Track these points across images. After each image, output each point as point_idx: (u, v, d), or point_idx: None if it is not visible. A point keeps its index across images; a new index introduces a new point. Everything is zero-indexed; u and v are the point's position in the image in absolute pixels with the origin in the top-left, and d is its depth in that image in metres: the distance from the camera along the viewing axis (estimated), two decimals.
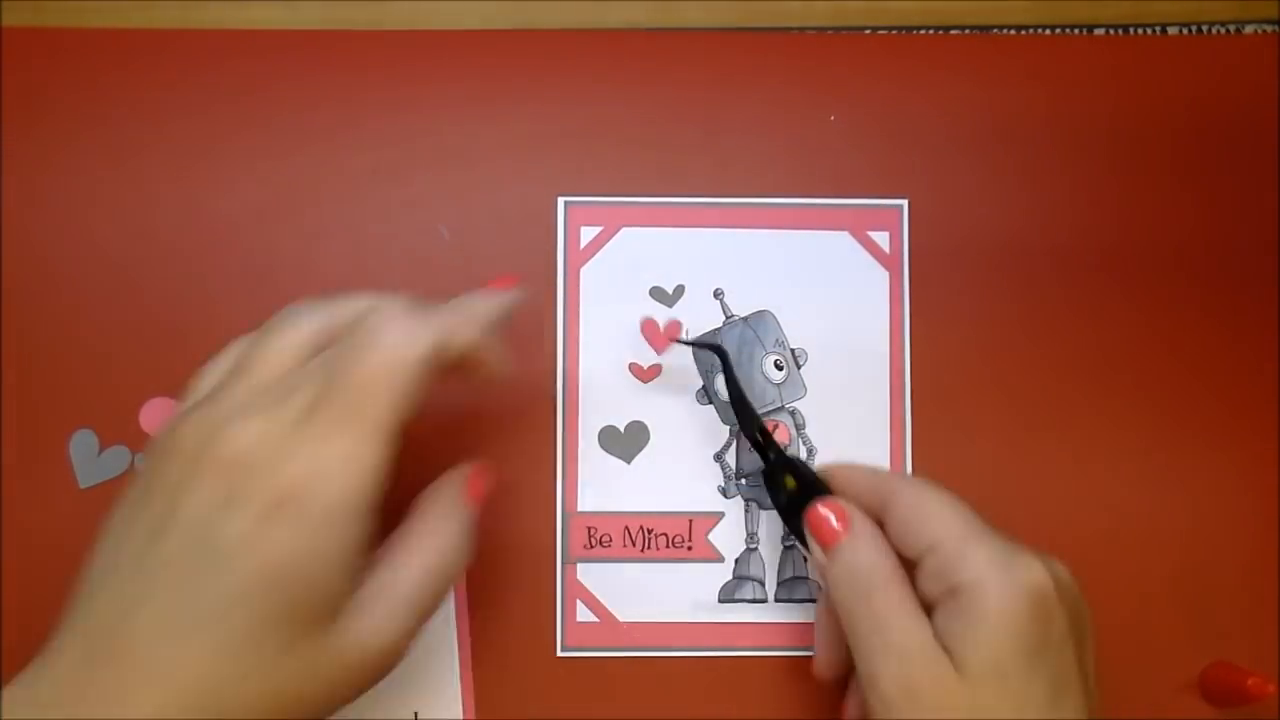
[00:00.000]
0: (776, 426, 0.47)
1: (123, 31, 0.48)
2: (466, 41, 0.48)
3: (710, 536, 0.46)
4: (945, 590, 0.38)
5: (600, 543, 0.46)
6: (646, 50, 0.48)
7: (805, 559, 0.46)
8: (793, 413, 0.47)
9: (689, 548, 0.46)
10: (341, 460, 0.33)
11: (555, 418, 0.47)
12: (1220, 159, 0.48)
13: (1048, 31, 0.49)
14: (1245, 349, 0.48)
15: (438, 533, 0.38)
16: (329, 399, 0.34)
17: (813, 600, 0.46)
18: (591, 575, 0.46)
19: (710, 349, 0.45)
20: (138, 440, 0.46)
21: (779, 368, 0.47)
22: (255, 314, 0.46)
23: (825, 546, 0.41)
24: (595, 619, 0.46)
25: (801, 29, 0.49)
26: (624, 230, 0.47)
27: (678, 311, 0.47)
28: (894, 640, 0.38)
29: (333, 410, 0.34)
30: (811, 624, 0.46)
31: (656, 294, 0.47)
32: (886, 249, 0.47)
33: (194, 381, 0.38)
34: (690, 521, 0.46)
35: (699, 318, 0.47)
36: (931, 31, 0.49)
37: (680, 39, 0.49)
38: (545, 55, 0.48)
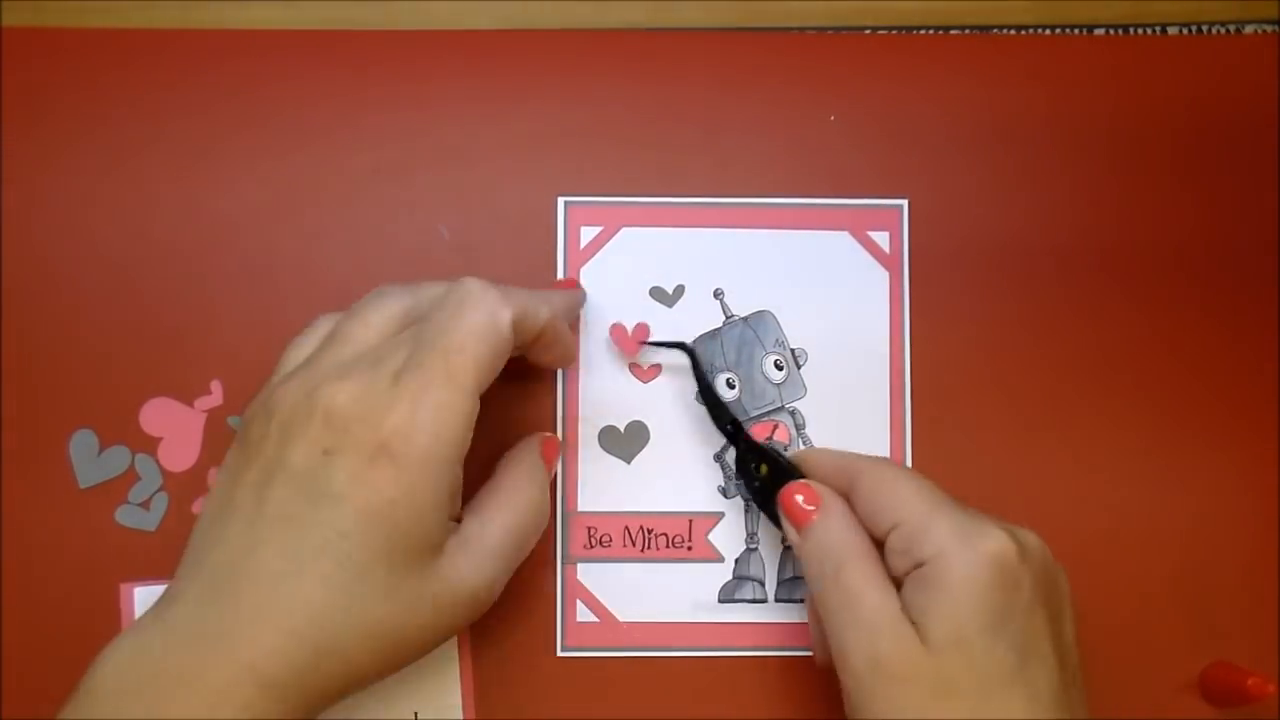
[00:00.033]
0: (776, 426, 0.47)
1: (123, 31, 0.48)
2: (466, 41, 0.48)
3: (710, 536, 0.46)
4: (911, 564, 0.38)
5: (600, 543, 0.46)
6: (646, 50, 0.48)
7: None
8: (793, 413, 0.47)
9: (689, 548, 0.46)
10: (435, 412, 0.37)
11: (555, 418, 0.47)
12: (1220, 159, 0.48)
13: (1048, 31, 0.49)
14: (1245, 349, 0.48)
15: (521, 489, 0.42)
16: (422, 360, 0.37)
17: None
18: (592, 575, 0.46)
19: (677, 348, 0.46)
20: (138, 440, 0.46)
21: (779, 368, 0.47)
22: (255, 314, 0.46)
23: (798, 526, 0.41)
24: (595, 619, 0.46)
25: (801, 29, 0.49)
26: (624, 230, 0.47)
27: (678, 312, 0.47)
28: (862, 614, 0.38)
29: (426, 370, 0.37)
30: None
31: (656, 294, 0.47)
32: (886, 249, 0.47)
33: (285, 355, 0.41)
34: (690, 521, 0.46)
35: (699, 318, 0.47)
36: (931, 31, 0.49)
37: (680, 39, 0.49)
38: (545, 55, 0.48)
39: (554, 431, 0.46)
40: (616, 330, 0.47)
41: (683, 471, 0.46)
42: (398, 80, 0.48)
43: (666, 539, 0.46)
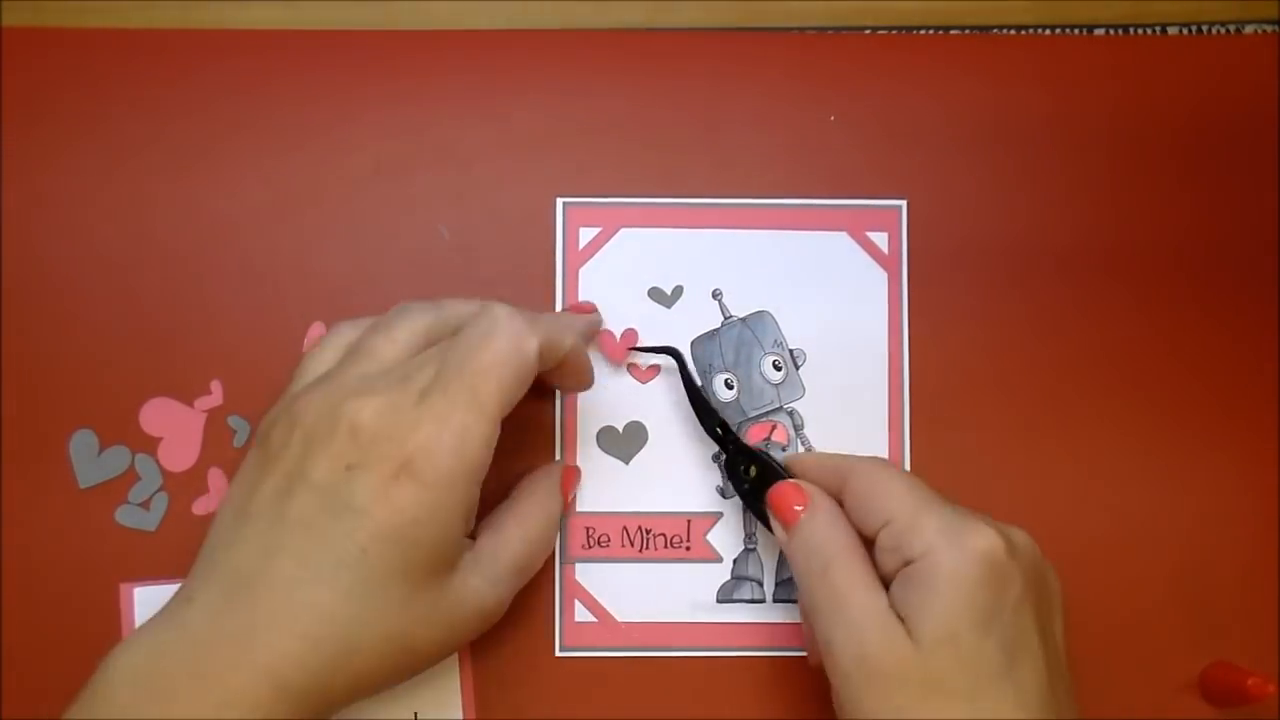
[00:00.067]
0: (775, 427, 0.47)
1: (123, 31, 0.48)
2: (466, 41, 0.48)
3: (708, 537, 0.46)
4: (901, 562, 0.38)
5: (599, 543, 0.46)
6: (646, 50, 0.48)
7: None
8: (791, 413, 0.47)
9: (687, 548, 0.46)
10: (459, 434, 0.37)
11: (554, 418, 0.47)
12: (1220, 159, 0.48)
13: (1048, 31, 0.49)
14: (1245, 349, 0.48)
15: (535, 513, 0.43)
16: (448, 383, 0.38)
17: None
18: (590, 575, 0.46)
19: (663, 352, 0.46)
20: (138, 440, 0.46)
21: (777, 368, 0.47)
22: (255, 314, 0.46)
23: (785, 525, 0.42)
24: (593, 619, 0.46)
25: (801, 29, 0.49)
26: (623, 231, 0.47)
27: (676, 312, 0.47)
28: (849, 613, 0.38)
29: (452, 391, 0.37)
30: None
31: (655, 295, 0.47)
32: (885, 249, 0.47)
33: (304, 363, 0.42)
34: (689, 522, 0.46)
35: (697, 318, 0.47)
36: (931, 31, 0.49)
37: (680, 39, 0.49)
38: (545, 55, 0.48)
39: (553, 431, 0.46)
40: (605, 337, 0.47)
41: (681, 472, 0.46)
42: (397, 80, 0.48)
43: (665, 539, 0.46)
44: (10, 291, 0.46)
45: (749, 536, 0.46)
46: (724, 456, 0.45)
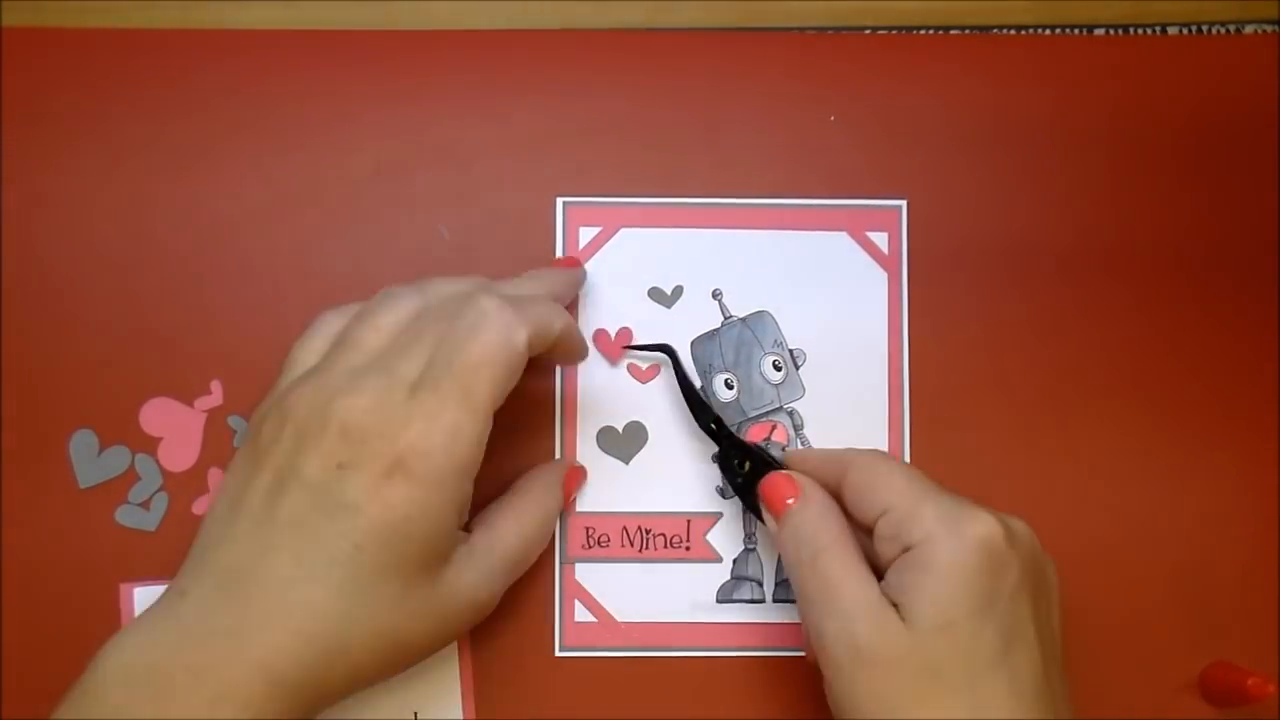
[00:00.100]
0: (775, 427, 0.47)
1: (123, 31, 0.48)
2: (466, 41, 0.48)
3: (708, 537, 0.46)
4: (899, 549, 0.38)
5: (598, 543, 0.46)
6: (646, 50, 0.48)
7: None
8: (791, 413, 0.47)
9: (687, 548, 0.46)
10: (451, 431, 0.37)
11: (554, 418, 0.47)
12: (1220, 159, 0.48)
13: (1048, 31, 0.49)
14: (1245, 349, 0.48)
15: (534, 507, 0.43)
16: (438, 380, 0.38)
17: None
18: (590, 575, 0.46)
19: (657, 350, 0.46)
20: (138, 440, 0.46)
21: (777, 368, 0.47)
22: (255, 314, 0.46)
23: (776, 515, 0.42)
24: (593, 619, 0.46)
25: (801, 29, 0.49)
26: (623, 231, 0.47)
27: (676, 312, 0.47)
28: (841, 601, 0.38)
29: (443, 388, 0.37)
30: None
31: (655, 294, 0.47)
32: (885, 249, 0.47)
33: (293, 353, 0.42)
34: (688, 522, 0.46)
35: (697, 318, 0.47)
36: (931, 31, 0.49)
37: (680, 39, 0.49)
38: (545, 55, 0.48)
39: (554, 431, 0.47)
40: (600, 336, 0.47)
41: (681, 472, 0.46)
42: (398, 80, 0.48)
43: (665, 539, 0.46)
44: (10, 291, 0.46)
45: (749, 537, 0.46)
46: (718, 450, 0.45)
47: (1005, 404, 0.47)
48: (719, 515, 0.46)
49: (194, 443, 0.46)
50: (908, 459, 0.47)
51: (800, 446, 0.47)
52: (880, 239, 0.47)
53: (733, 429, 0.45)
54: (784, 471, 0.42)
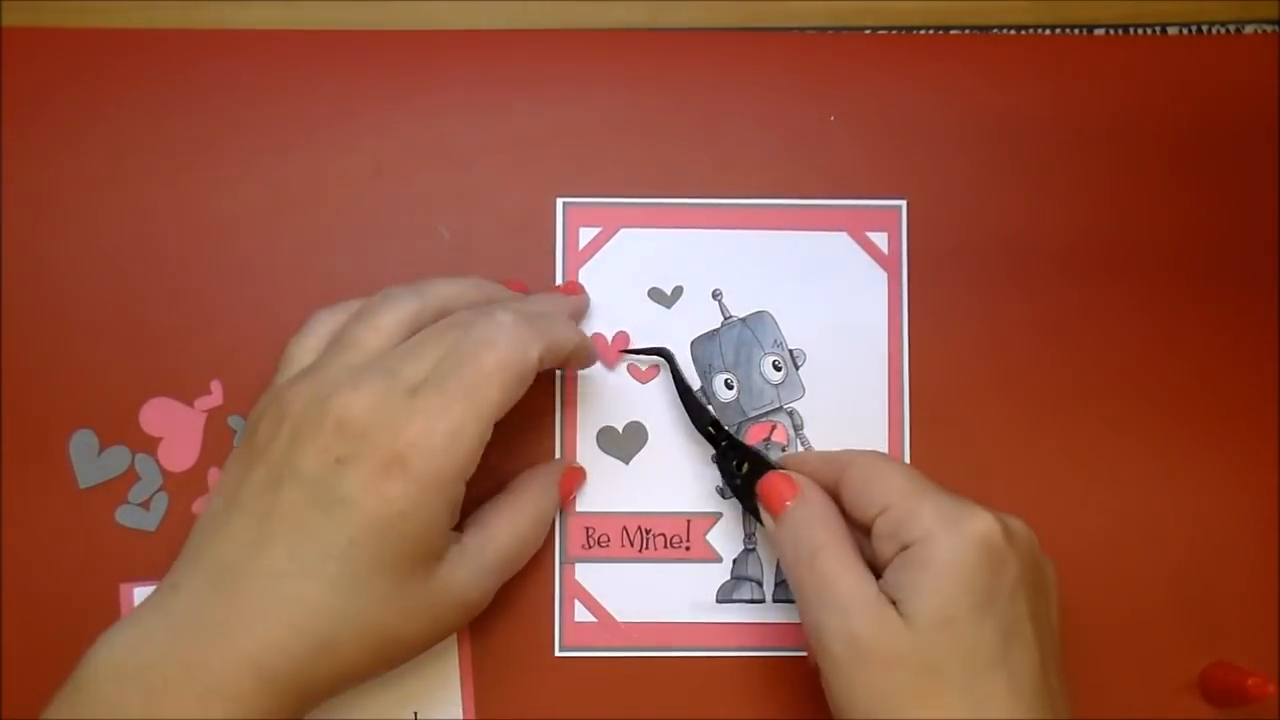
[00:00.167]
0: (774, 427, 0.47)
1: (123, 31, 0.48)
2: (466, 41, 0.48)
3: (708, 537, 0.46)
4: (898, 547, 0.38)
5: (598, 543, 0.46)
6: (646, 50, 0.48)
7: None
8: (791, 413, 0.47)
9: (687, 548, 0.46)
10: (451, 435, 0.37)
11: (554, 418, 0.47)
12: (1220, 159, 0.48)
13: (1048, 31, 0.49)
14: (1245, 349, 0.47)
15: (529, 508, 0.43)
16: (446, 379, 0.38)
17: None
18: (590, 575, 0.46)
19: (654, 353, 0.46)
20: (138, 440, 0.46)
21: (777, 368, 0.47)
22: (255, 314, 0.46)
23: (773, 513, 0.42)
24: (593, 619, 0.46)
25: (801, 29, 0.49)
26: (623, 231, 0.47)
27: (676, 313, 0.47)
28: (838, 598, 0.38)
29: (449, 389, 0.38)
30: None
31: (655, 295, 0.47)
32: (885, 250, 0.47)
33: (288, 351, 0.42)
34: (688, 522, 0.46)
35: (697, 319, 0.47)
36: (931, 31, 0.49)
37: (680, 39, 0.49)
38: (545, 55, 0.48)
39: (554, 431, 0.47)
40: (596, 340, 0.47)
41: (681, 472, 0.46)
42: (398, 80, 0.48)
43: (665, 539, 0.46)
44: (10, 291, 0.46)
45: (749, 537, 0.46)
46: (716, 452, 0.45)
47: (1005, 404, 0.47)
48: (719, 515, 0.46)
49: (194, 443, 0.46)
50: (908, 459, 0.47)
51: (800, 447, 0.47)
52: (880, 239, 0.47)
53: (732, 429, 0.45)
54: (782, 471, 0.42)
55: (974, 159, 0.48)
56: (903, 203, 0.48)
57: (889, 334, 0.47)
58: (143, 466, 0.46)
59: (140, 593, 0.45)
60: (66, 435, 0.46)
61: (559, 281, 0.47)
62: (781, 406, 0.47)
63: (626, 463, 0.47)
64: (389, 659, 0.39)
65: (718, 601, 0.46)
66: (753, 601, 0.46)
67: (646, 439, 0.47)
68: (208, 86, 0.47)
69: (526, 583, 0.45)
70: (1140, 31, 0.49)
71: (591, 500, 0.46)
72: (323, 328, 0.42)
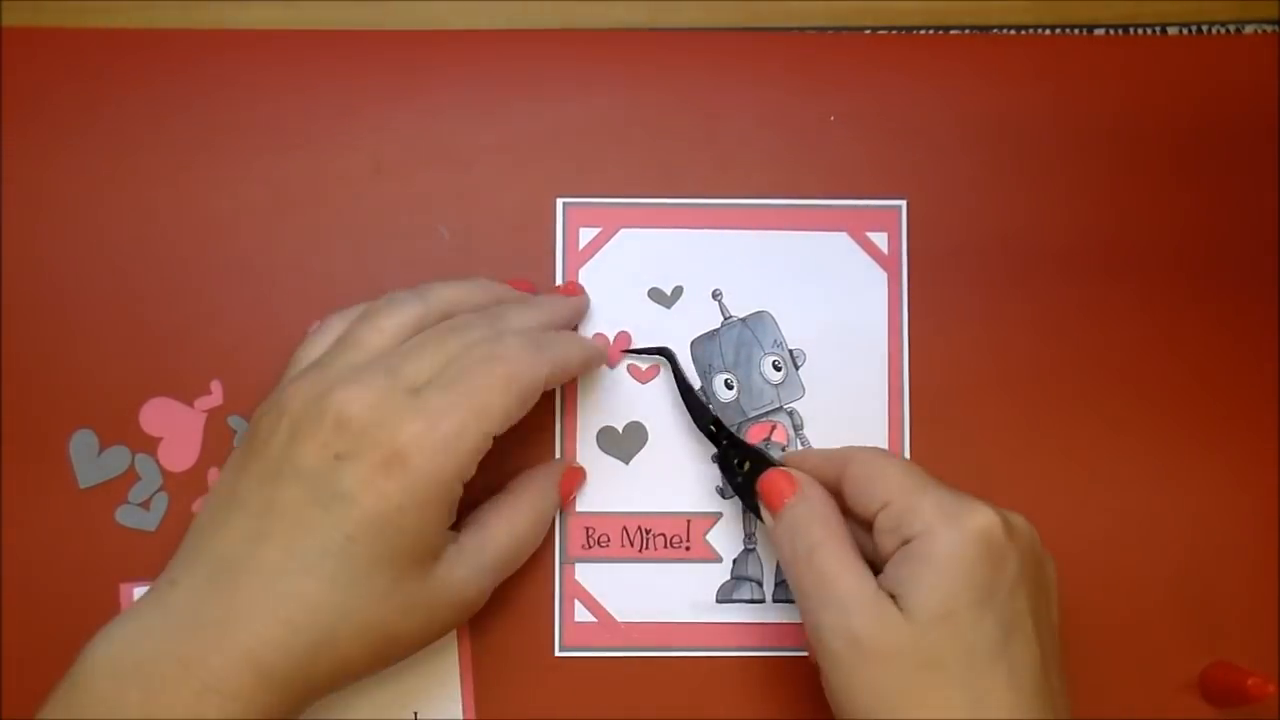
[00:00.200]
0: (774, 427, 0.47)
1: (123, 31, 0.48)
2: (466, 41, 0.48)
3: (708, 537, 0.46)
4: (899, 541, 0.38)
5: (598, 543, 0.46)
6: (646, 50, 0.48)
7: None
8: (791, 413, 0.47)
9: (687, 548, 0.46)
10: (452, 436, 0.37)
11: (554, 418, 0.47)
12: (1220, 159, 0.48)
13: (1048, 31, 0.49)
14: (1245, 349, 0.47)
15: (528, 507, 0.43)
16: (450, 383, 0.38)
17: None
18: (590, 575, 0.46)
19: (655, 353, 0.46)
20: (138, 440, 0.46)
21: (777, 368, 0.47)
22: (255, 314, 0.46)
23: (772, 510, 0.42)
24: (593, 619, 0.46)
25: (801, 29, 0.49)
26: (623, 231, 0.47)
27: (676, 313, 0.47)
28: (837, 595, 0.38)
29: (453, 393, 0.38)
30: None
31: (655, 295, 0.47)
32: (885, 250, 0.47)
33: (298, 353, 0.42)
34: (688, 522, 0.46)
35: (697, 319, 0.47)
36: (931, 31, 0.49)
37: (680, 39, 0.49)
38: (545, 55, 0.48)
39: (554, 431, 0.47)
40: (598, 340, 0.47)
41: (681, 472, 0.46)
42: (398, 80, 0.48)
43: (664, 539, 0.46)
44: (10, 291, 0.46)
45: (749, 537, 0.46)
46: (717, 450, 0.45)
47: (1005, 404, 0.47)
48: (719, 515, 0.46)
49: (194, 443, 0.46)
50: (907, 458, 0.47)
51: (800, 446, 0.47)
52: (880, 239, 0.47)
53: (732, 429, 0.45)
54: (782, 468, 0.42)
55: (974, 159, 0.48)
56: (903, 203, 0.48)
57: (889, 334, 0.47)
58: (143, 466, 0.46)
59: (140, 593, 0.45)
60: (66, 435, 0.46)
61: (559, 282, 0.47)
62: (781, 406, 0.47)
63: (626, 463, 0.47)
64: (386, 656, 0.39)
65: (718, 601, 0.46)
66: (753, 601, 0.46)
67: (646, 439, 0.47)
68: (208, 86, 0.47)
69: (526, 582, 0.45)
70: (1140, 31, 0.49)
71: (591, 500, 0.46)
72: (331, 332, 0.42)
